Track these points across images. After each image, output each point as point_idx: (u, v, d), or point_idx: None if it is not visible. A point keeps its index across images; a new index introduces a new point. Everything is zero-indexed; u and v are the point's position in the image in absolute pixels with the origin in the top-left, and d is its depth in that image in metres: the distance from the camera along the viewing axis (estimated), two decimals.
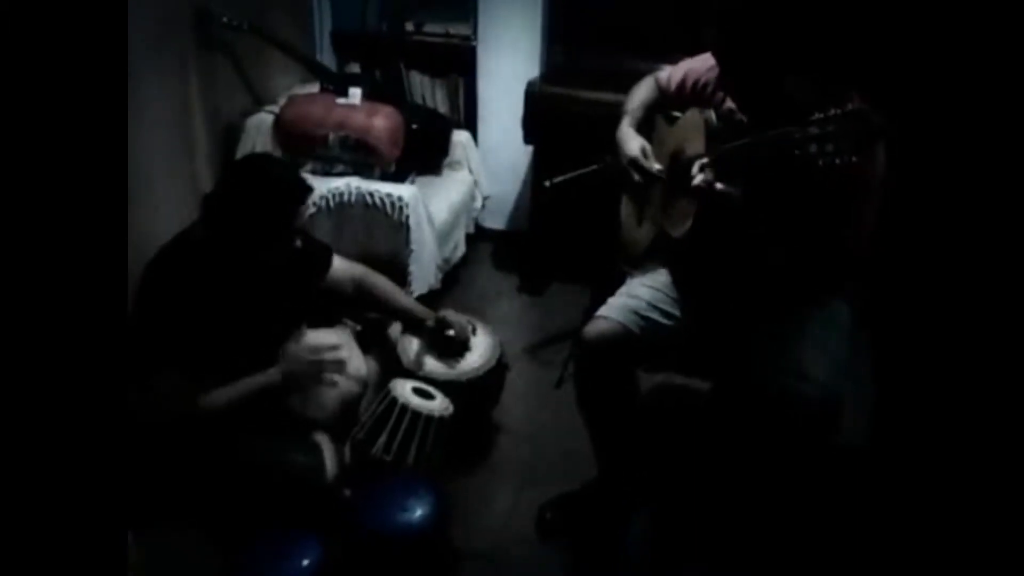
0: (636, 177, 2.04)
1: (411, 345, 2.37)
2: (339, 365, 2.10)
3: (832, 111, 1.52)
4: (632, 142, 2.06)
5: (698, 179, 1.75)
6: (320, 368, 2.06)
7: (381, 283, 2.36)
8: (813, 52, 1.72)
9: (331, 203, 2.95)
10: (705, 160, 1.76)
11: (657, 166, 2.01)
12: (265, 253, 2.00)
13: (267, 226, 1.96)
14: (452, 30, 3.53)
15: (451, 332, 2.36)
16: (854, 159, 1.51)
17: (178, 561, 1.96)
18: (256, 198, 1.94)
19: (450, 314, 2.39)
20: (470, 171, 3.47)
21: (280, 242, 2.01)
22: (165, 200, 2.72)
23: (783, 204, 1.73)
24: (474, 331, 2.45)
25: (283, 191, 1.98)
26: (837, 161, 1.51)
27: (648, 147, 2.03)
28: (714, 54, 1.81)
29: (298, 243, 2.06)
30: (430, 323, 2.35)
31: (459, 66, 3.57)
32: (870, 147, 1.62)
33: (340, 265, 2.30)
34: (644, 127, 2.14)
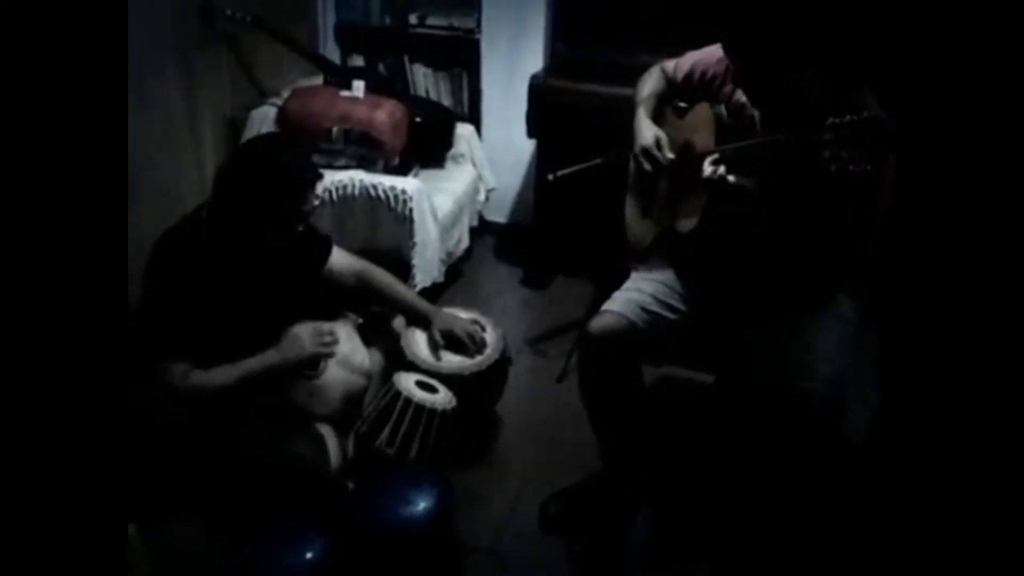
0: (647, 166, 2.03)
1: (415, 338, 2.37)
2: (334, 344, 2.10)
3: (848, 117, 1.50)
4: (648, 131, 2.05)
5: (708, 171, 1.74)
6: (320, 345, 2.05)
7: (382, 277, 2.36)
8: (826, 45, 1.71)
9: (335, 196, 2.94)
10: (716, 156, 1.76)
11: (671, 155, 2.00)
12: (270, 236, 1.99)
13: (274, 209, 1.94)
14: (456, 23, 3.53)
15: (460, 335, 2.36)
16: (868, 167, 1.50)
17: (182, 553, 1.97)
18: (264, 180, 1.92)
19: (455, 325, 2.36)
20: (473, 164, 3.47)
21: (286, 226, 1.99)
22: (170, 194, 2.73)
23: (791, 202, 1.73)
24: (483, 329, 2.43)
25: (292, 174, 1.96)
26: (851, 168, 1.50)
27: (664, 138, 2.02)
28: (726, 48, 1.80)
29: (300, 228, 2.04)
30: (436, 336, 2.34)
31: (463, 59, 3.56)
32: (883, 156, 1.60)
33: (341, 258, 2.29)
34: (654, 119, 2.13)
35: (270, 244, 2.01)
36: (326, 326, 2.10)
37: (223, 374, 1.95)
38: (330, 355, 2.09)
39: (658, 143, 2.01)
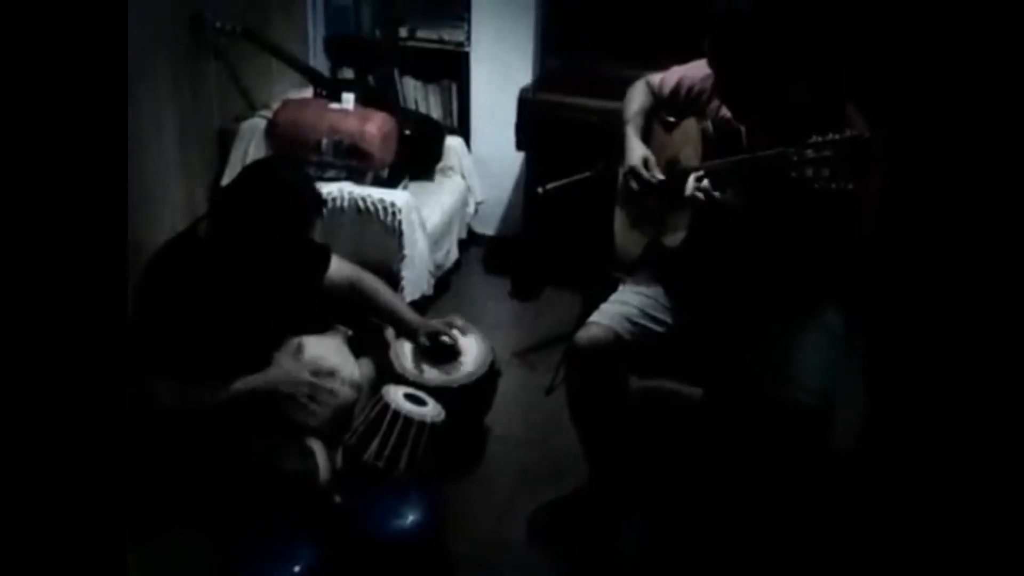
0: (634, 186, 2.04)
1: (404, 351, 2.37)
2: (331, 395, 2.09)
3: (830, 135, 1.52)
4: (636, 151, 2.06)
5: (693, 187, 1.76)
6: (312, 391, 2.05)
7: (375, 285, 2.36)
8: (809, 62, 1.73)
9: (324, 208, 2.94)
10: (700, 173, 1.77)
11: (659, 176, 2.01)
12: (271, 261, 1.98)
13: (279, 233, 1.94)
14: (445, 36, 3.54)
15: (444, 339, 2.37)
16: (850, 186, 1.52)
17: (172, 566, 1.96)
18: (271, 205, 1.90)
19: (436, 323, 2.38)
20: (463, 176, 3.48)
21: (288, 250, 1.99)
22: (159, 204, 2.73)
23: (776, 218, 1.74)
24: (462, 332, 2.43)
25: (299, 200, 1.95)
26: (833, 186, 1.52)
27: (652, 158, 2.03)
28: (711, 64, 1.81)
29: (302, 251, 2.04)
30: (423, 339, 2.34)
31: (452, 72, 3.58)
32: (865, 173, 1.62)
33: (337, 265, 2.29)
34: (643, 132, 2.14)
35: (272, 266, 2.01)
36: (324, 364, 2.10)
37: (207, 393, 1.94)
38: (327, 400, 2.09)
39: (646, 163, 2.02)
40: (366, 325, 2.39)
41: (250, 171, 2.07)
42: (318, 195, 2.03)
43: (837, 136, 1.52)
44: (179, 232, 2.06)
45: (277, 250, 1.96)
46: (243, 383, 1.98)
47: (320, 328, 2.25)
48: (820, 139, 1.53)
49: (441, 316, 2.56)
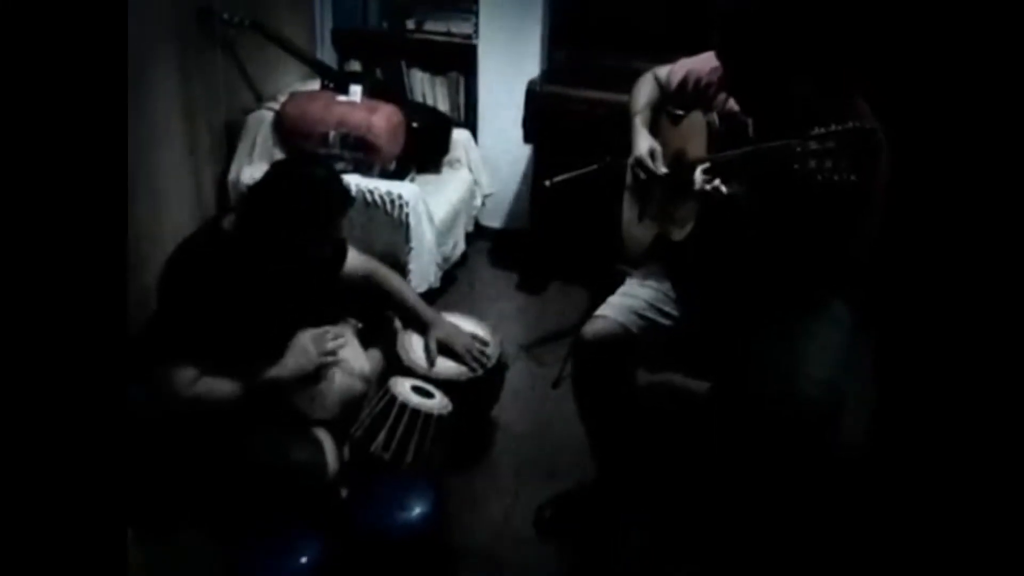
0: (640, 176, 2.04)
1: (411, 343, 2.37)
2: (339, 347, 2.10)
3: (833, 127, 1.52)
4: (643, 142, 2.05)
5: (700, 182, 1.75)
6: (324, 353, 2.05)
7: (390, 278, 2.37)
8: (817, 55, 1.72)
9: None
10: (707, 165, 1.77)
11: (663, 169, 2.01)
12: (297, 257, 1.98)
13: (304, 234, 1.94)
14: (453, 28, 3.54)
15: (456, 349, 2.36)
16: (852, 177, 1.51)
17: (178, 559, 1.97)
18: (302, 203, 1.90)
19: (456, 340, 2.35)
20: (470, 169, 3.48)
21: (314, 249, 1.99)
22: (166, 196, 2.73)
23: (782, 210, 1.73)
24: (485, 344, 2.41)
25: (330, 198, 1.95)
26: (836, 178, 1.51)
27: (658, 149, 2.02)
28: (718, 56, 1.81)
29: (329, 250, 2.05)
30: (432, 344, 2.33)
31: (460, 64, 3.57)
32: (870, 165, 1.61)
33: (352, 257, 2.30)
34: (650, 125, 2.14)
35: (298, 262, 2.01)
36: (330, 331, 2.10)
37: (228, 385, 1.94)
38: (335, 362, 2.09)
39: (652, 154, 2.02)
40: (375, 317, 2.39)
41: (279, 168, 2.06)
42: (346, 193, 2.03)
43: (839, 128, 1.51)
44: (202, 225, 2.06)
45: (304, 247, 1.96)
46: (266, 375, 1.99)
47: (331, 320, 2.25)
48: (823, 131, 1.52)
49: (449, 310, 2.56)
